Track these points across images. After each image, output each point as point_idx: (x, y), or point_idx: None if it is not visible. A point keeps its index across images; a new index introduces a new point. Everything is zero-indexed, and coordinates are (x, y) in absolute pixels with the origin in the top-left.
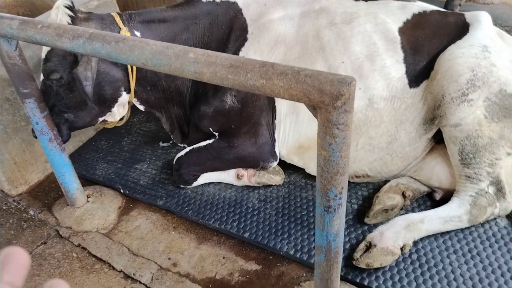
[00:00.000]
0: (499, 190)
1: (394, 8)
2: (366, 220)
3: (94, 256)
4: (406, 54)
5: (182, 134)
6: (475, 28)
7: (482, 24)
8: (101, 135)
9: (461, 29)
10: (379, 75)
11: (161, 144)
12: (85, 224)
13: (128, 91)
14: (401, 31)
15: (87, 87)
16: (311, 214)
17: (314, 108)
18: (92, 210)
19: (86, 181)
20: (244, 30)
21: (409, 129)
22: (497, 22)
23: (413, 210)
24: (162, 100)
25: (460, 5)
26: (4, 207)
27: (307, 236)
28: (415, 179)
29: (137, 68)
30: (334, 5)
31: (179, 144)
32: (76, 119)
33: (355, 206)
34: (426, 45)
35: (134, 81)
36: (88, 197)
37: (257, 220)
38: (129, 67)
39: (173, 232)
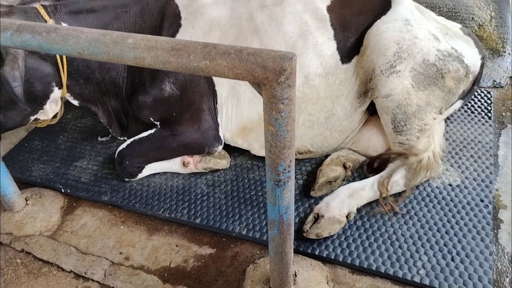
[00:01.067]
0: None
1: None
2: (312, 193)
3: (40, 259)
4: (336, 31)
5: (121, 127)
6: (396, 4)
7: (403, 0)
8: (34, 135)
9: (384, 5)
10: (313, 52)
11: (99, 139)
12: (26, 228)
13: (60, 86)
14: (329, 9)
15: (16, 88)
16: (260, 193)
17: (258, 86)
18: (32, 213)
19: (23, 184)
20: (177, 16)
21: (345, 103)
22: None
23: (354, 180)
24: (97, 93)
25: None
26: None
27: (258, 215)
28: (354, 150)
29: (67, 61)
30: None
31: (118, 138)
32: (5, 120)
33: (301, 182)
34: (354, 21)
35: (66, 75)
36: (27, 200)
37: (207, 205)
38: (58, 60)
39: (122, 227)
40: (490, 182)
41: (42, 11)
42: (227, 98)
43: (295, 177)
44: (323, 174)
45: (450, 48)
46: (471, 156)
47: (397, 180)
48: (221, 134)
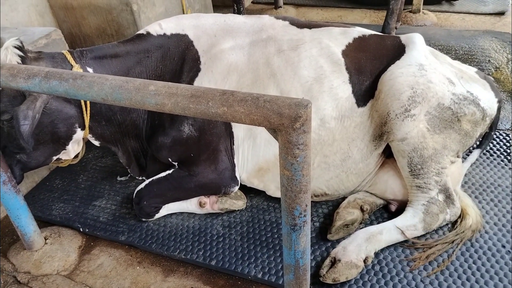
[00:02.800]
0: (448, 197)
1: (336, 34)
2: (329, 236)
3: None
4: (351, 75)
5: (140, 167)
6: (410, 49)
7: (417, 45)
8: (55, 174)
9: (398, 50)
10: (328, 96)
11: (119, 178)
12: (44, 267)
13: (83, 128)
14: (344, 53)
15: (23, 126)
16: (276, 235)
17: (274, 131)
18: (51, 252)
19: (43, 222)
20: (196, 61)
21: (360, 146)
22: (430, 42)
23: (371, 223)
24: (118, 134)
25: (396, 28)
26: None
27: (274, 258)
28: (371, 193)
29: (90, 103)
30: (281, 34)
31: (137, 178)
32: (29, 160)
33: (317, 224)
34: (368, 66)
35: (89, 117)
36: (46, 239)
37: (223, 246)
38: (82, 103)
39: (137, 267)
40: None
41: (69, 57)
42: (243, 139)
43: (312, 220)
44: (340, 217)
45: (466, 91)
46: (491, 200)
47: (415, 224)
48: (237, 174)
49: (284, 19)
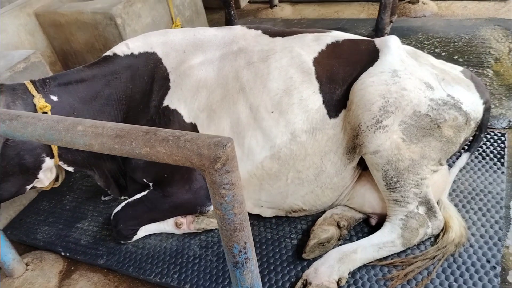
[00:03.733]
0: (429, 209)
1: (309, 41)
2: (304, 255)
3: None
4: (322, 84)
5: (120, 187)
6: (384, 54)
7: (391, 49)
8: (43, 195)
9: (372, 55)
10: (298, 108)
11: (103, 198)
12: None
13: (52, 156)
14: (316, 61)
15: None
16: None
17: (201, 170)
18: (31, 279)
19: (28, 247)
20: (166, 79)
21: (334, 159)
22: (428, 35)
23: (351, 239)
24: (91, 158)
25: (391, 22)
26: None
27: None
28: (350, 207)
29: None
30: (252, 44)
31: (118, 198)
32: (0, 192)
33: (295, 242)
34: (341, 73)
35: (56, 145)
36: (27, 265)
37: (198, 269)
38: None
39: None
40: (499, 240)
41: (30, 87)
42: None
43: (290, 237)
44: (314, 236)
45: (446, 95)
46: (479, 209)
47: (393, 240)
48: None
49: (257, 28)
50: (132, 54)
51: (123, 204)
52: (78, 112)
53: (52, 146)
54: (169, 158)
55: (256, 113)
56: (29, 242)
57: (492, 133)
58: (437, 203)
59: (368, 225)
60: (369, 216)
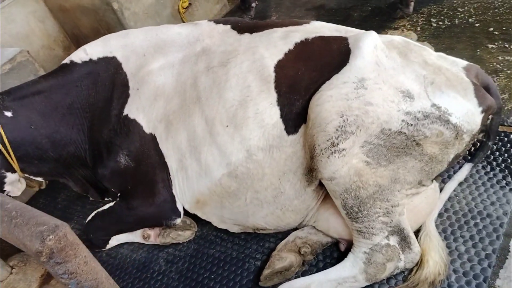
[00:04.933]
0: (403, 239)
1: (276, 39)
2: (260, 283)
3: None
4: (280, 95)
5: (99, 190)
6: (354, 57)
7: (362, 50)
8: (41, 192)
9: (343, 57)
10: (253, 122)
11: (91, 198)
12: None
13: (13, 171)
14: (280, 65)
15: None
16: (213, 276)
17: None
18: (14, 283)
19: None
20: (125, 85)
21: (293, 180)
22: None
23: (317, 265)
24: (59, 168)
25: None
26: None
27: None
28: (317, 229)
29: (14, 147)
30: (217, 44)
31: (100, 201)
32: None
33: (258, 263)
34: (305, 80)
35: (15, 161)
36: (12, 268)
37: (159, 286)
38: (2, 149)
39: None
40: (484, 280)
41: None
42: (176, 170)
43: (255, 257)
44: (269, 265)
45: (430, 106)
46: (471, 237)
47: (355, 275)
48: (179, 206)
49: (225, 22)
50: (90, 60)
51: (93, 214)
52: (36, 125)
53: (11, 162)
54: (10, 240)
55: (211, 126)
56: None
57: (505, 139)
58: (420, 228)
59: (338, 250)
60: (338, 241)
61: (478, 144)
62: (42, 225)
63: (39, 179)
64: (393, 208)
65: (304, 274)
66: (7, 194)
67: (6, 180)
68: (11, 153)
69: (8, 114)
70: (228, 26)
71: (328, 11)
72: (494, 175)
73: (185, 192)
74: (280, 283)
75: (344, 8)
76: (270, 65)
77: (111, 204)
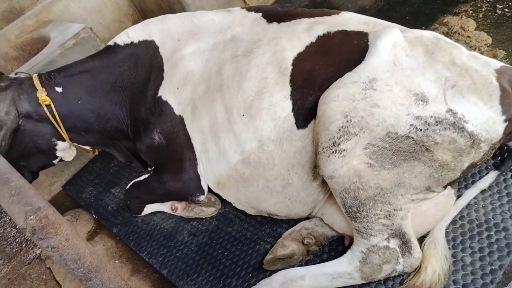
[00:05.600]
0: (404, 243)
1: (301, 30)
2: (264, 267)
3: (55, 279)
4: (294, 88)
5: (142, 160)
6: (370, 55)
7: (379, 49)
8: (99, 155)
9: (360, 54)
10: (266, 114)
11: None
12: None
13: (63, 139)
14: (299, 58)
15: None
16: (226, 253)
17: None
18: None
19: (77, 203)
20: (161, 68)
21: (301, 173)
22: None
23: (321, 256)
24: (104, 139)
25: None
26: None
27: (212, 279)
28: (324, 222)
29: (63, 118)
30: (245, 32)
31: (143, 171)
32: (30, 166)
33: (268, 247)
34: (321, 75)
35: (64, 131)
36: None
37: (179, 256)
38: (53, 120)
39: (117, 261)
40: None
41: (36, 81)
42: (200, 152)
43: (266, 240)
44: (272, 251)
45: (445, 111)
46: (480, 249)
47: (350, 272)
48: (203, 184)
49: (258, 10)
50: (132, 43)
51: (131, 183)
52: (83, 100)
53: (61, 131)
54: (8, 213)
55: (230, 114)
56: (76, 199)
57: None
58: (427, 235)
59: (343, 244)
60: (343, 236)
61: (506, 152)
62: (28, 205)
63: (88, 147)
64: (395, 212)
65: (307, 263)
66: (60, 159)
67: (57, 147)
68: (61, 124)
69: (59, 89)
70: (259, 14)
71: None
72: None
73: (208, 172)
74: (284, 269)
75: None
76: (289, 58)
77: (146, 176)
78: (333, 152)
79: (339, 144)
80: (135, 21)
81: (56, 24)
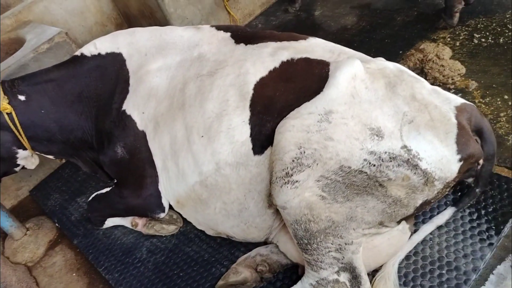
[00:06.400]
0: (354, 278)
1: (266, 54)
2: None
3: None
4: (254, 113)
5: (107, 172)
6: (328, 86)
7: (338, 80)
8: (68, 162)
9: (320, 84)
10: (225, 137)
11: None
12: (18, 256)
13: (24, 148)
14: (261, 83)
15: None
16: (182, 273)
17: None
18: (26, 244)
19: (42, 210)
20: (126, 82)
21: (257, 199)
22: None
23: (274, 284)
24: (68, 149)
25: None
26: None
27: None
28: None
29: (24, 127)
30: (212, 51)
31: (109, 182)
32: None
33: (223, 270)
34: (281, 102)
35: (26, 140)
36: (27, 229)
37: (135, 274)
38: (13, 129)
39: (74, 274)
40: None
41: None
42: (161, 169)
43: (222, 263)
44: (224, 276)
45: (399, 147)
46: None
47: None
48: (164, 201)
49: (227, 29)
50: (99, 54)
51: (94, 195)
52: (46, 110)
53: (22, 140)
54: None
55: (189, 134)
56: (42, 206)
57: (503, 183)
58: (379, 269)
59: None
60: (297, 264)
61: (466, 189)
62: None
63: (50, 157)
64: (346, 246)
65: None
66: (23, 167)
67: (18, 155)
68: (22, 133)
69: (22, 98)
70: (228, 34)
71: (372, 11)
72: (479, 224)
73: (168, 190)
74: None
75: (390, 10)
76: (251, 82)
77: (108, 189)
78: (285, 182)
79: (292, 175)
80: (119, 25)
81: (34, 26)
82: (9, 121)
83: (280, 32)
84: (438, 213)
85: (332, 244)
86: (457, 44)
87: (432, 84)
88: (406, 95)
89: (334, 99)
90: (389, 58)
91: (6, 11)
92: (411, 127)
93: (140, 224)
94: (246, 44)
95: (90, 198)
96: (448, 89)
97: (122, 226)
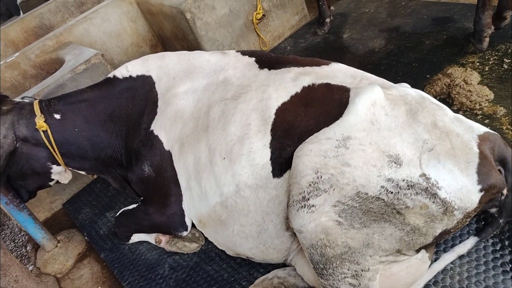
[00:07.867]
0: None
1: (288, 80)
2: None
3: None
4: (274, 138)
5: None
6: (348, 112)
7: (357, 106)
8: (100, 177)
9: (339, 110)
10: (246, 160)
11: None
12: (48, 267)
13: (58, 164)
14: (282, 108)
15: None
16: None
17: None
18: (57, 255)
19: (73, 223)
20: (155, 104)
21: (276, 221)
22: None
23: None
24: (99, 166)
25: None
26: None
27: None
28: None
29: (58, 144)
30: (237, 76)
31: (136, 198)
32: (27, 185)
33: None
34: (301, 127)
35: (59, 156)
36: (58, 242)
37: None
38: (48, 145)
39: (100, 287)
40: None
41: (36, 107)
42: (185, 189)
43: (241, 283)
44: None
45: (418, 176)
46: None
47: None
48: (187, 220)
49: (251, 55)
50: (130, 76)
51: (121, 211)
52: (79, 128)
53: (56, 156)
54: None
55: (212, 156)
56: (73, 219)
57: None
58: None
59: None
60: None
61: (489, 219)
62: None
63: (82, 172)
64: (363, 272)
65: None
66: (57, 182)
67: (52, 170)
68: (56, 149)
69: (57, 116)
70: (253, 59)
71: (401, 34)
72: (502, 255)
73: (191, 209)
74: None
75: (418, 34)
76: (273, 107)
77: (135, 205)
78: (302, 206)
79: (308, 199)
80: (153, 46)
81: (73, 47)
82: (44, 139)
83: (307, 55)
84: (460, 242)
85: (348, 270)
86: (486, 69)
87: (459, 109)
88: (427, 122)
89: (352, 125)
90: (416, 82)
91: (49, 32)
92: (431, 155)
93: (163, 241)
94: (269, 69)
95: (118, 213)
96: (476, 115)
97: (147, 242)
